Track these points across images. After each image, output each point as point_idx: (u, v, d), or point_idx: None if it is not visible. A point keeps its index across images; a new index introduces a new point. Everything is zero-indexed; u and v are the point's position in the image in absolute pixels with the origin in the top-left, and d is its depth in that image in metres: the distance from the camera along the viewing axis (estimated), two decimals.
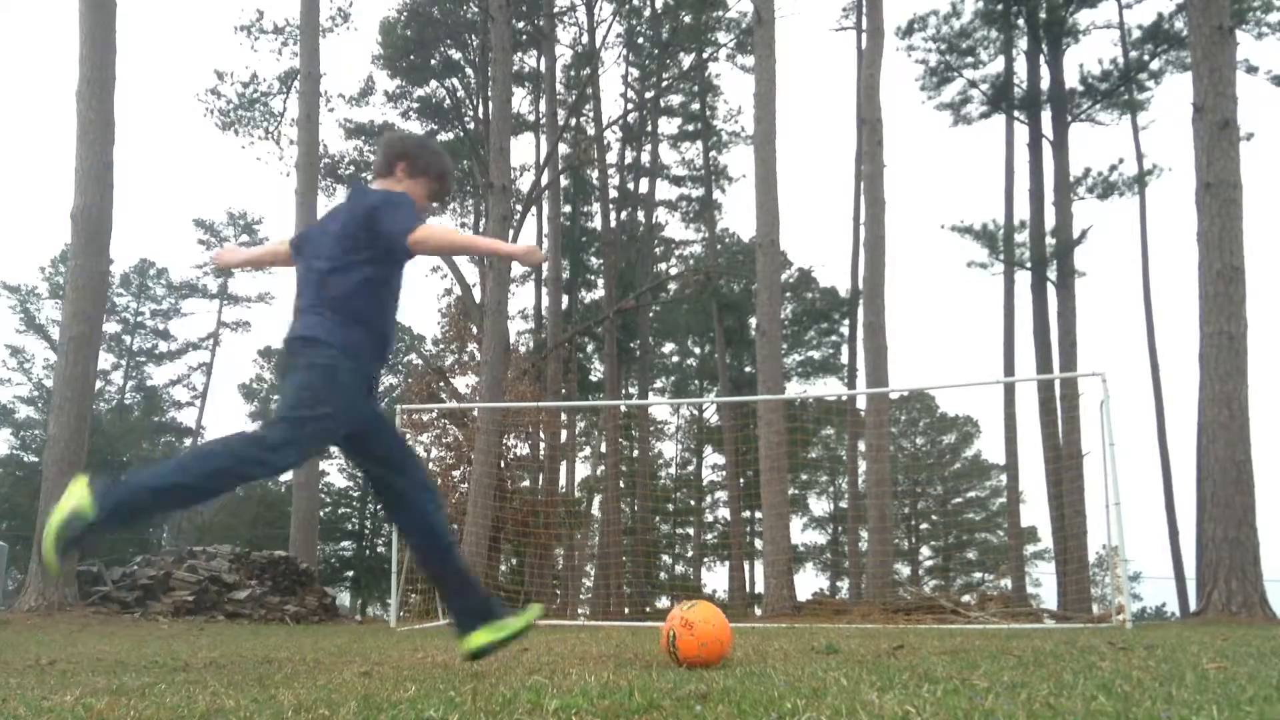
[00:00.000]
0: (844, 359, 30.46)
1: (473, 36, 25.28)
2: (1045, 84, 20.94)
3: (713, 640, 3.09)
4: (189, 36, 74.87)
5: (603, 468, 27.69)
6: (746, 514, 29.77)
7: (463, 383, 22.33)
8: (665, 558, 34.93)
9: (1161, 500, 20.30)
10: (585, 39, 26.65)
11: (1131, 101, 21.21)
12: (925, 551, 43.37)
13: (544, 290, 26.44)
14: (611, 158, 28.13)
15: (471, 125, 25.43)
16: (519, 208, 22.15)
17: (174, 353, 39.76)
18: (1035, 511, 29.95)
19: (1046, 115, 20.75)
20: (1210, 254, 10.09)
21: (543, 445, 22.72)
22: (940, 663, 3.16)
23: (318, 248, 3.13)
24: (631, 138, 28.85)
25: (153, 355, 39.75)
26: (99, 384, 34.05)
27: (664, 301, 29.65)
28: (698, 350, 37.01)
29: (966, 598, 12.63)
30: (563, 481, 25.91)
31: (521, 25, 24.31)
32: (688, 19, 26.30)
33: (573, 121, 26.42)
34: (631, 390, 30.67)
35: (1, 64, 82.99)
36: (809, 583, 39.73)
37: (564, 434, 25.88)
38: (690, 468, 38.90)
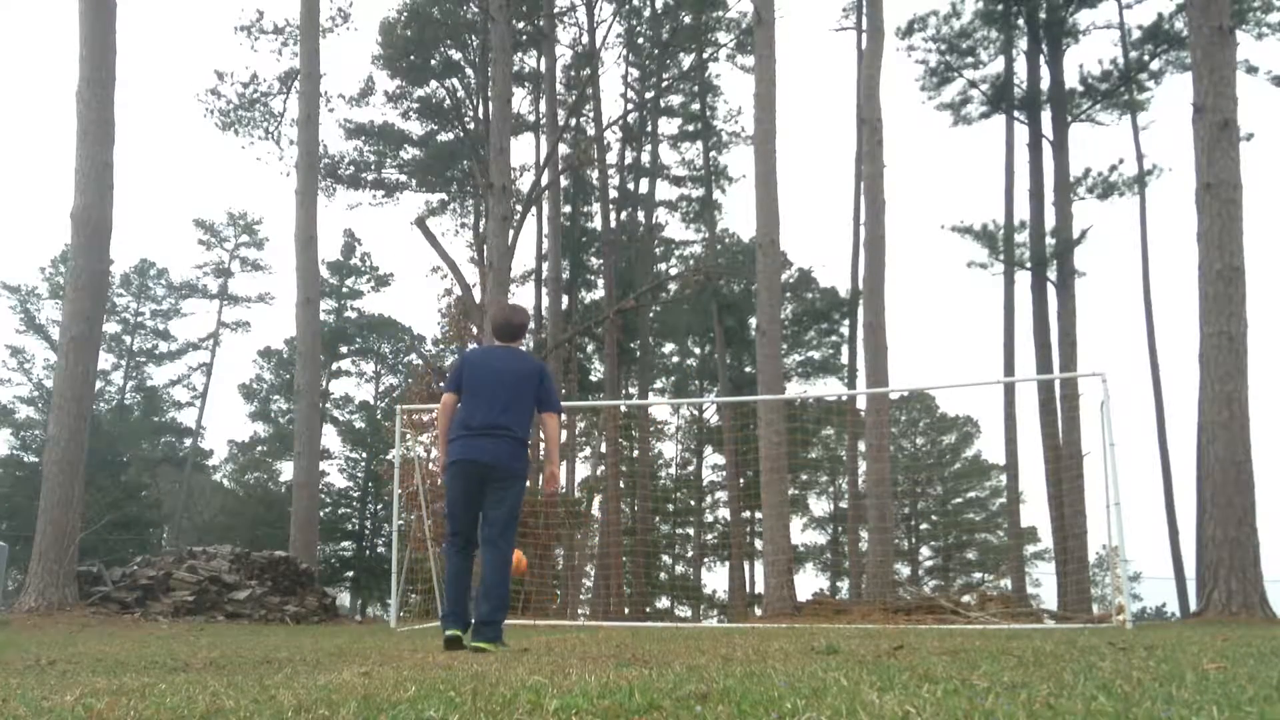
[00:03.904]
0: (844, 359, 30.44)
1: (473, 36, 25.28)
2: (1045, 84, 20.93)
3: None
4: (189, 36, 74.86)
5: (603, 468, 27.68)
6: (746, 514, 29.71)
7: None
8: (665, 558, 34.90)
9: (1161, 500, 20.29)
10: (585, 39, 26.67)
11: (1131, 101, 21.21)
12: (925, 551, 43.30)
13: (544, 290, 26.42)
14: (611, 158, 28.14)
15: (471, 125, 25.42)
16: (519, 208, 22.12)
17: (174, 353, 39.75)
18: (1035, 511, 29.99)
19: (1046, 115, 20.75)
20: (1210, 254, 10.09)
21: (543, 445, 22.65)
22: (940, 663, 3.15)
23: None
24: (631, 138, 28.83)
25: (153, 355, 39.74)
26: (99, 384, 34.05)
27: (664, 301, 29.61)
28: (698, 350, 36.97)
29: (966, 598, 12.63)
30: (563, 481, 25.89)
31: (521, 25, 24.30)
32: (688, 19, 26.30)
33: (573, 121, 26.40)
34: (631, 390, 30.64)
35: (1, 64, 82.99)
36: (809, 583, 39.67)
37: (564, 434, 25.82)
38: (690, 468, 38.85)
